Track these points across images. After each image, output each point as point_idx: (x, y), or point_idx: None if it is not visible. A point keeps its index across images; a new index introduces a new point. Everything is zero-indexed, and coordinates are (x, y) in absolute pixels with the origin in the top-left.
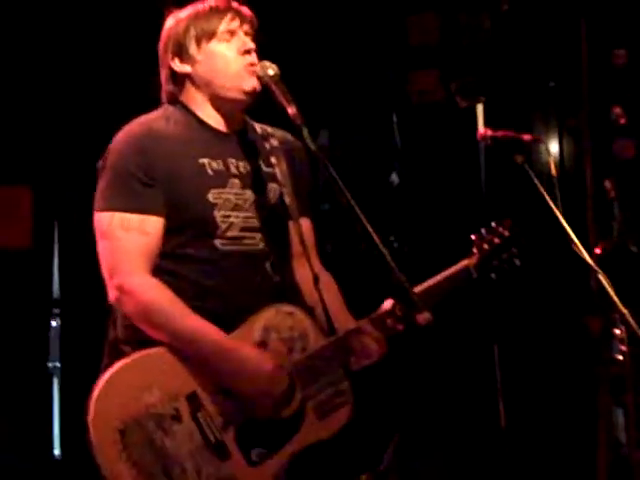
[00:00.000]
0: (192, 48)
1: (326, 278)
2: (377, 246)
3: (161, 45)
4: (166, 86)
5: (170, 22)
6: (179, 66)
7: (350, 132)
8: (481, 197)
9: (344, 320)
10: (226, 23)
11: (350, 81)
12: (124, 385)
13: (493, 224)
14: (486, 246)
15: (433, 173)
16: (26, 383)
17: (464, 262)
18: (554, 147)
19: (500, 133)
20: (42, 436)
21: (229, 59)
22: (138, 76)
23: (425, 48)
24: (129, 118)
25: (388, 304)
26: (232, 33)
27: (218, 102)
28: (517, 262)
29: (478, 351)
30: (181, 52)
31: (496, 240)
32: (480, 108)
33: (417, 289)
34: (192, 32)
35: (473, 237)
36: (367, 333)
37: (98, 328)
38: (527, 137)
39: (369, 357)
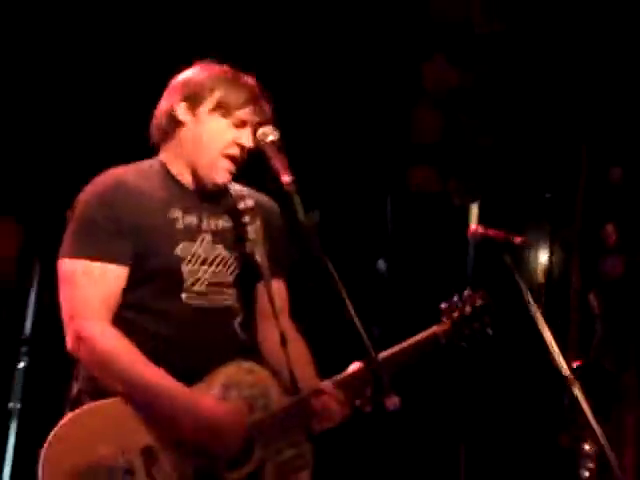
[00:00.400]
0: (204, 109)
1: (296, 341)
2: (356, 327)
3: (177, 82)
4: (159, 119)
5: (200, 70)
6: (183, 113)
7: (342, 215)
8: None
9: (311, 384)
10: (246, 112)
11: (347, 165)
12: (78, 435)
13: (466, 293)
14: (456, 314)
15: (421, 264)
16: None
17: (433, 329)
18: (544, 256)
19: (491, 231)
20: None
21: (220, 145)
22: (133, 117)
23: (426, 144)
24: (121, 162)
25: (355, 367)
26: (244, 124)
27: (193, 170)
28: (489, 331)
29: (444, 449)
30: (193, 103)
31: (467, 309)
32: (475, 207)
33: (384, 354)
34: (215, 96)
35: (443, 305)
36: (330, 394)
37: (64, 373)
38: (518, 239)
39: (330, 419)
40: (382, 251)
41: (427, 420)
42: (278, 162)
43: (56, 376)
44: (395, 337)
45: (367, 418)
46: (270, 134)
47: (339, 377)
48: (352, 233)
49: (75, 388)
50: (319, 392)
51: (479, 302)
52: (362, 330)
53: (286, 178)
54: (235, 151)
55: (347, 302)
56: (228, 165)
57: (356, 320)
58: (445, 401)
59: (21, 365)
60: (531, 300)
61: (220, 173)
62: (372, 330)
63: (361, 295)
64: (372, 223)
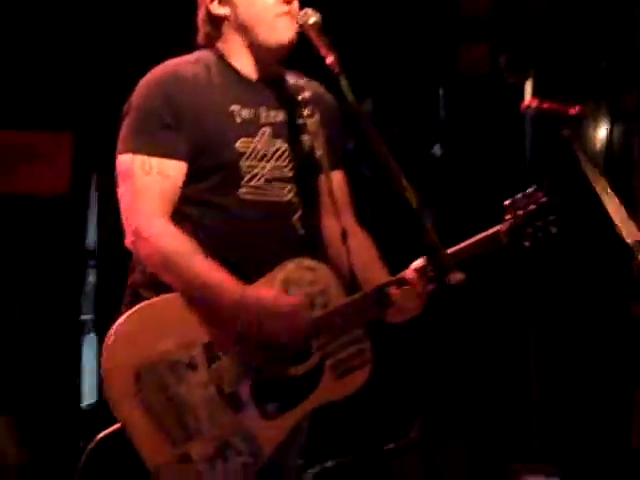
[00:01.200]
0: None
1: (360, 234)
2: (412, 206)
3: None
4: (203, 28)
5: None
6: (217, 8)
7: (395, 102)
8: (524, 174)
9: (378, 276)
10: None
11: (399, 51)
12: (140, 329)
13: (530, 189)
14: (520, 212)
15: (477, 147)
16: (57, 336)
17: (495, 228)
18: (603, 129)
19: (546, 104)
20: (71, 387)
21: (268, 6)
22: (185, 23)
23: (476, 20)
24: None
25: (419, 263)
26: None
27: (254, 49)
28: (553, 230)
29: (513, 335)
30: None
31: (531, 206)
32: (529, 83)
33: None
34: None
35: (506, 203)
36: (404, 285)
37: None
38: (574, 110)
39: (404, 312)
40: (436, 137)
41: (494, 307)
42: (321, 44)
43: (124, 285)
44: (452, 222)
45: (435, 305)
46: (312, 16)
47: (405, 273)
48: (405, 120)
49: (132, 279)
50: (387, 285)
51: (543, 199)
52: (419, 210)
53: (330, 59)
54: (284, 7)
55: (403, 183)
56: (286, 22)
57: (412, 200)
58: (512, 286)
59: (89, 277)
60: (591, 171)
61: (283, 32)
62: (428, 213)
63: (417, 182)
64: (425, 109)
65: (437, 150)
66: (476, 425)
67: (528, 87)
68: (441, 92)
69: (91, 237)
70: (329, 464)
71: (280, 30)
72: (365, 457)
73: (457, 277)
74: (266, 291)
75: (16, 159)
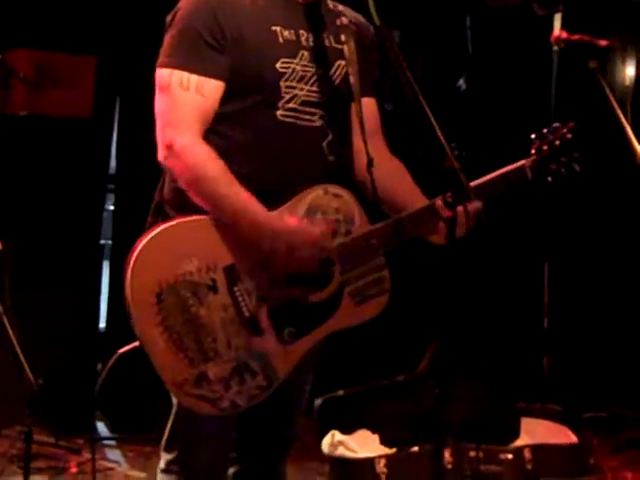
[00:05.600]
0: None
1: (392, 160)
2: (435, 131)
3: None
4: None
5: None
6: None
7: (422, 34)
8: (550, 106)
9: (414, 199)
10: None
11: None
12: (163, 249)
13: (556, 125)
14: (545, 147)
15: (502, 80)
16: (77, 258)
17: (521, 162)
18: (631, 66)
19: (575, 36)
20: (89, 310)
21: None
22: None
23: None
24: None
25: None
26: None
27: None
28: (577, 167)
29: (528, 267)
30: None
31: (557, 142)
32: (558, 16)
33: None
34: None
35: (533, 136)
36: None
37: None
38: (604, 42)
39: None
40: (463, 69)
41: (511, 237)
42: None
43: (143, 212)
44: (476, 157)
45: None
46: None
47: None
48: (432, 53)
49: (158, 196)
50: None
51: (569, 135)
52: (441, 135)
53: None
54: None
55: (427, 111)
56: None
57: (435, 126)
58: (530, 218)
59: (109, 202)
60: (616, 105)
61: None
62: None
63: (441, 115)
64: (451, 41)
65: (462, 83)
66: (487, 360)
67: (557, 20)
68: (468, 23)
69: (112, 162)
70: (340, 393)
71: None
72: (374, 388)
73: (475, 206)
74: (288, 220)
75: (42, 81)
